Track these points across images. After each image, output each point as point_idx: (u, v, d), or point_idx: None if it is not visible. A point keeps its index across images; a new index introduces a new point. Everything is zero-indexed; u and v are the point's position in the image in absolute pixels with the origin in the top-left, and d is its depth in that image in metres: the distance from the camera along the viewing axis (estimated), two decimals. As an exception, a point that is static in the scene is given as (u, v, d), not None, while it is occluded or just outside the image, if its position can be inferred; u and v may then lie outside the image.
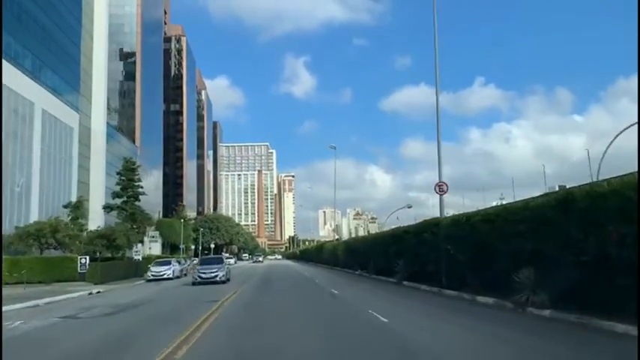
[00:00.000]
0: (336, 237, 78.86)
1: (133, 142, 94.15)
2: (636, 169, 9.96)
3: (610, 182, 9.79)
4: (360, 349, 7.89)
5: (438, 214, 20.05)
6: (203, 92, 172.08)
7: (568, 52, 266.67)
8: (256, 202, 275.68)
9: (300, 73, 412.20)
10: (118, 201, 44.52)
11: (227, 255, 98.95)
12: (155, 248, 65.10)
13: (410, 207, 59.98)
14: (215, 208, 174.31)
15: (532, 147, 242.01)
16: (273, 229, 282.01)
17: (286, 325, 10.84)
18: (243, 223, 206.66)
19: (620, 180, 9.58)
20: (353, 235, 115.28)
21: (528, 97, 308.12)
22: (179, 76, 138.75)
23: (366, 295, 18.26)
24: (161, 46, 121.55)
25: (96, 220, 51.35)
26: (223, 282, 25.30)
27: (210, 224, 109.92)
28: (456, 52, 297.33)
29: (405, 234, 21.95)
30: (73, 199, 47.53)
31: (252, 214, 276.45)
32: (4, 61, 42.83)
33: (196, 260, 37.98)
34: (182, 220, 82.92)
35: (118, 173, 45.58)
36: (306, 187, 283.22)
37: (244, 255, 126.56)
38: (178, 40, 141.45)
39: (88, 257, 31.29)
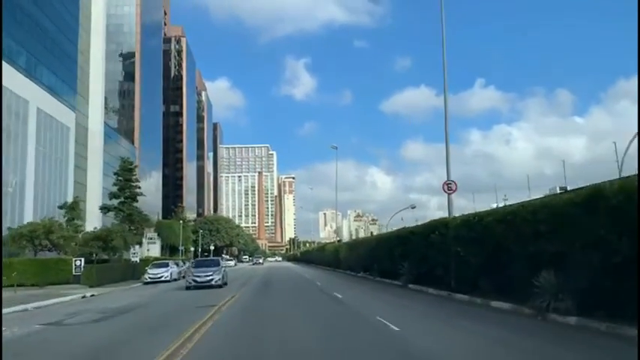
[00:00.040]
0: (337, 239, 77.89)
1: (132, 143, 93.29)
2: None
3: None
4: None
5: (438, 216, 19.25)
6: (203, 93, 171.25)
7: (568, 54, 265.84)
8: (257, 203, 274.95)
9: (301, 75, 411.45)
10: (115, 202, 43.59)
11: (227, 257, 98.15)
12: (154, 250, 64.22)
13: (414, 207, 59.06)
14: (215, 209, 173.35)
15: (532, 149, 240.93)
16: (273, 231, 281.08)
17: (288, 334, 9.93)
18: (243, 224, 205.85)
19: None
20: (353, 237, 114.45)
21: (528, 98, 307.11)
22: (179, 77, 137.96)
23: (371, 299, 17.35)
24: (161, 46, 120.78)
25: (93, 221, 50.47)
26: (219, 286, 23.89)
27: (210, 226, 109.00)
28: (457, 54, 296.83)
29: (411, 235, 21.03)
30: (69, 199, 46.50)
31: (252, 215, 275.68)
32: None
33: (191, 262, 36.21)
34: (181, 222, 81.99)
35: (115, 174, 44.71)
36: (306, 189, 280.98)
37: (244, 257, 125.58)
38: (178, 41, 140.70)
39: (83, 259, 30.46)
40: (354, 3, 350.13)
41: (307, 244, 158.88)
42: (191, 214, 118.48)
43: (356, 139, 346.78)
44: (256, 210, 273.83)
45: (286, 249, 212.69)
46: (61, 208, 41.94)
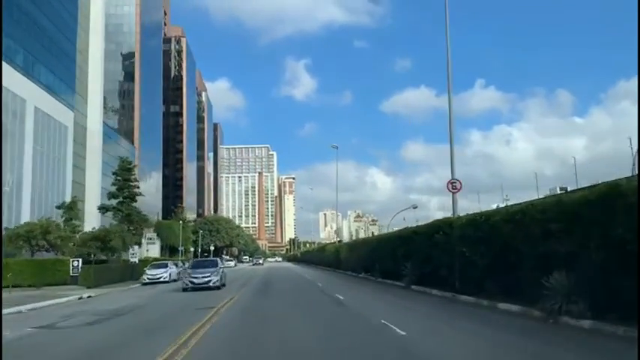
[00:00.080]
0: (338, 239, 77.47)
1: (132, 143, 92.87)
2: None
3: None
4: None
5: (439, 216, 18.85)
6: (203, 94, 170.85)
7: (568, 54, 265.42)
8: (257, 204, 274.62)
9: (301, 76, 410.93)
10: (114, 202, 43.13)
11: (227, 257, 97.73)
12: (153, 250, 63.91)
13: (415, 207, 58.75)
14: (215, 210, 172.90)
15: (533, 149, 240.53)
16: (273, 232, 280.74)
17: (289, 337, 9.52)
18: (243, 225, 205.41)
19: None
20: (353, 238, 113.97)
21: (529, 99, 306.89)
22: (179, 78, 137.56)
23: (374, 300, 16.93)
24: (161, 46, 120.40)
25: (92, 221, 49.97)
26: (217, 288, 23.11)
27: (210, 226, 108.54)
28: (457, 54, 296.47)
29: (414, 235, 20.60)
30: (67, 199, 46.00)
31: (252, 216, 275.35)
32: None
33: (188, 263, 35.58)
34: (181, 222, 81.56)
35: (113, 173, 44.24)
36: (306, 189, 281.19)
37: (244, 257, 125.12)
38: (178, 41, 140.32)
39: (80, 260, 30.04)
40: (354, 3, 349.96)
41: (307, 245, 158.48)
42: (191, 215, 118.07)
43: (356, 139, 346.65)
44: (256, 210, 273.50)
45: (286, 249, 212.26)
46: (58, 208, 41.44)
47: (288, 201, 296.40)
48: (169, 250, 79.58)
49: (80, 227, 41.31)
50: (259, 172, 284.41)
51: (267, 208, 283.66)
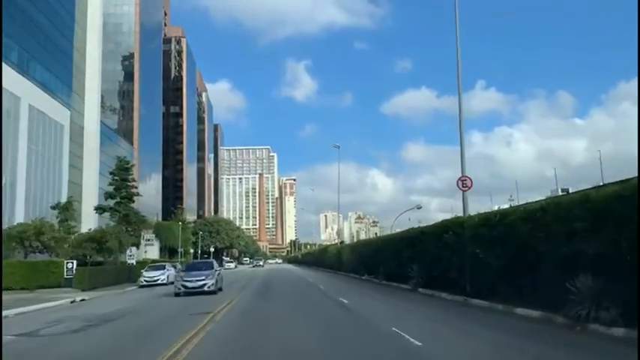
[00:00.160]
0: (339, 240, 76.54)
1: (131, 143, 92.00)
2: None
3: None
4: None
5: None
6: (204, 94, 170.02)
7: (569, 56, 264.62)
8: (257, 205, 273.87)
9: (301, 77, 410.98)
10: (111, 202, 42.21)
11: (227, 259, 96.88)
12: (152, 252, 63.00)
13: (419, 208, 57.93)
14: (216, 211, 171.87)
15: (533, 150, 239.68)
16: (274, 233, 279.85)
17: (292, 348, 8.62)
18: (244, 226, 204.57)
19: None
20: (354, 239, 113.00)
21: (529, 100, 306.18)
22: (179, 78, 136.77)
23: (381, 305, 16.00)
24: (160, 46, 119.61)
25: (89, 222, 49.13)
26: (213, 292, 21.37)
27: (210, 227, 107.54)
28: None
29: (421, 235, 19.69)
30: (63, 200, 45.00)
31: (253, 217, 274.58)
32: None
33: (181, 265, 34.16)
34: (180, 223, 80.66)
35: (111, 173, 43.35)
36: (307, 191, 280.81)
37: (245, 259, 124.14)
38: (178, 42, 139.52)
39: (75, 262, 29.12)
40: (355, 5, 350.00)
41: (308, 246, 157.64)
42: (191, 216, 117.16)
43: (357, 141, 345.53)
44: (257, 212, 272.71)
45: (287, 251, 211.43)
46: (53, 208, 40.53)
47: (289, 202, 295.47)
48: (169, 252, 78.68)
49: (76, 228, 40.44)
50: (260, 174, 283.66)
51: (268, 210, 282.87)
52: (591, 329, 9.08)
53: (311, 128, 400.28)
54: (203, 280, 21.58)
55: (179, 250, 75.77)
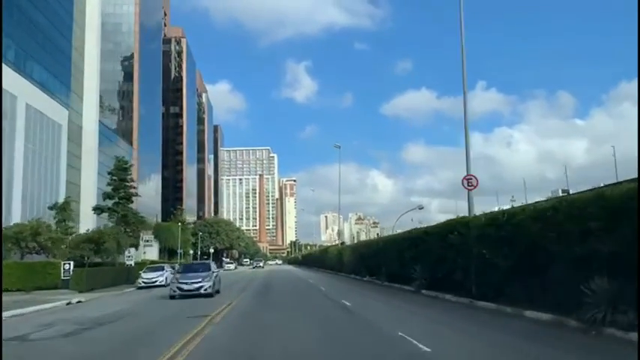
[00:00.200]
0: (340, 241, 76.06)
1: (131, 144, 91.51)
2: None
3: None
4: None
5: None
6: (204, 95, 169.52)
7: (569, 56, 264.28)
8: (258, 206, 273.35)
9: (302, 78, 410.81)
10: (110, 202, 41.71)
11: (227, 260, 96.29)
12: (151, 253, 62.47)
13: (421, 208, 57.55)
14: (216, 212, 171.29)
15: (534, 151, 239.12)
16: (274, 234, 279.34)
17: (293, 352, 8.17)
18: (244, 227, 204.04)
19: None
20: (355, 240, 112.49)
21: (529, 101, 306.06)
22: (179, 79, 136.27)
23: (384, 307, 15.55)
24: (160, 47, 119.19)
25: (88, 223, 48.58)
26: (210, 295, 20.36)
27: (210, 228, 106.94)
28: (457, 56, 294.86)
29: (425, 235, 19.26)
30: (61, 200, 44.45)
31: (253, 218, 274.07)
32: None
33: (177, 267, 33.34)
34: (180, 224, 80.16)
35: (109, 173, 42.83)
36: (307, 192, 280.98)
37: (245, 260, 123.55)
38: (178, 42, 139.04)
39: (72, 263, 28.60)
40: (355, 6, 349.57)
41: (309, 247, 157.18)
42: (191, 217, 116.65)
43: (357, 142, 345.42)
44: (257, 213, 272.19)
45: (287, 252, 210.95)
46: (51, 208, 40.02)
47: (289, 203, 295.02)
48: (168, 253, 78.16)
49: (74, 229, 39.91)
50: (260, 175, 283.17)
51: (268, 211, 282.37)
52: (607, 333, 8.65)
53: (311, 129, 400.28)
54: (200, 282, 20.63)
55: (179, 251, 75.28)
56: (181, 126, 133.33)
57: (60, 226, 36.62)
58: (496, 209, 20.14)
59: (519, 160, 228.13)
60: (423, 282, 19.37)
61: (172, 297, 20.49)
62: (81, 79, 69.74)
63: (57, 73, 60.26)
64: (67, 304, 20.87)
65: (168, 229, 79.56)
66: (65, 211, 39.02)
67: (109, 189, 42.41)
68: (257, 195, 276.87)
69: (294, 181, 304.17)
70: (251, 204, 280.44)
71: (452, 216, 18.36)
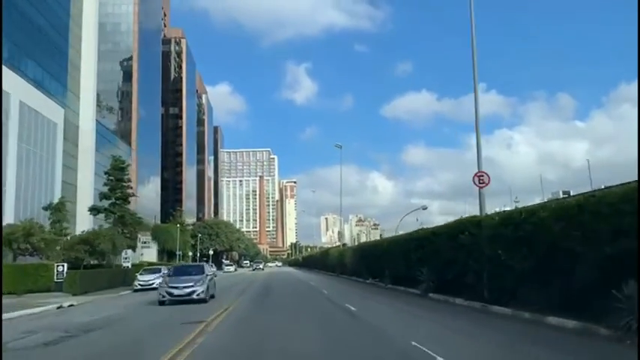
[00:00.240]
0: (341, 243, 75.19)
1: (130, 145, 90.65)
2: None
3: None
4: None
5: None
6: (204, 96, 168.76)
7: (569, 57, 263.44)
8: (258, 208, 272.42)
9: (302, 79, 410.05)
10: (106, 203, 40.81)
11: (227, 262, 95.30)
12: (149, 255, 61.65)
13: (425, 208, 56.66)
14: (216, 214, 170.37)
15: (534, 153, 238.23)
16: (275, 236, 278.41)
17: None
18: (244, 229, 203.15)
19: None
20: (355, 242, 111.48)
21: (529, 103, 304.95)
22: (179, 79, 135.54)
23: (391, 311, 14.66)
24: (160, 47, 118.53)
25: (85, 224, 47.65)
26: (203, 301, 18.50)
27: (210, 230, 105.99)
28: (458, 58, 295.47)
29: (432, 236, 18.37)
30: (56, 200, 43.54)
31: (253, 220, 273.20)
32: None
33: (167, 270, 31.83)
34: (178, 226, 79.26)
35: (105, 173, 41.93)
36: (307, 193, 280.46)
37: (245, 262, 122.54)
38: (178, 43, 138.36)
39: (65, 265, 27.79)
40: (355, 8, 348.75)
41: (309, 249, 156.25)
42: (191, 219, 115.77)
43: (357, 143, 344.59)
44: (257, 215, 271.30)
45: (288, 254, 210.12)
46: (45, 209, 39.12)
47: (290, 205, 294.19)
48: (167, 255, 77.29)
49: (69, 230, 39.00)
50: (260, 176, 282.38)
51: (269, 213, 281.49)
52: (645, 342, 7.75)
53: (311, 131, 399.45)
54: (191, 286, 18.78)
55: (177, 253, 74.39)
56: (181, 127, 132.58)
57: (54, 227, 35.73)
58: (496, 210, 19.34)
59: (519, 162, 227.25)
60: (430, 285, 18.49)
61: (161, 303, 18.66)
62: (78, 78, 68.68)
63: (53, 71, 59.32)
64: (58, 307, 20.02)
65: (167, 230, 78.70)
66: (60, 211, 38.15)
67: (105, 189, 41.57)
68: (257, 196, 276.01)
69: (295, 182, 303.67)
70: (251, 206, 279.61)
71: (453, 218, 17.61)
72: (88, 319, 14.56)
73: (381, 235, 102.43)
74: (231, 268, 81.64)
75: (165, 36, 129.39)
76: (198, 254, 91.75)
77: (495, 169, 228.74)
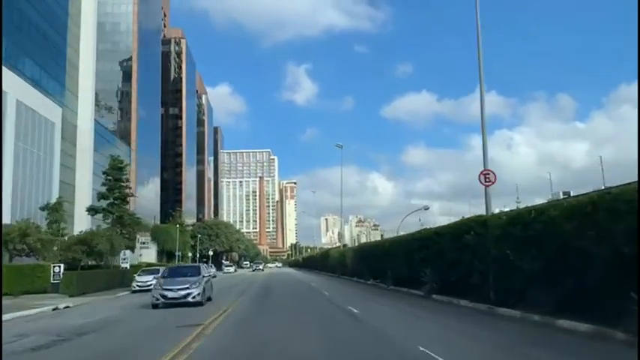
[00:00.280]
0: (341, 243, 74.78)
1: (129, 145, 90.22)
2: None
3: None
4: None
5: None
6: (204, 97, 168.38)
7: (569, 58, 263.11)
8: (258, 209, 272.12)
9: (302, 80, 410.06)
10: (104, 203, 40.38)
11: (227, 262, 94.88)
12: (148, 255, 61.16)
13: (427, 208, 56.44)
14: (216, 215, 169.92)
15: (534, 154, 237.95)
16: (275, 237, 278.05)
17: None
18: (244, 230, 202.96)
19: None
20: (355, 243, 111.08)
21: (530, 103, 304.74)
22: (178, 80, 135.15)
23: (395, 314, 14.23)
24: (159, 47, 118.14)
25: (83, 224, 47.22)
26: (199, 304, 17.63)
27: (209, 230, 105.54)
28: (457, 58, 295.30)
29: (436, 236, 17.96)
30: (54, 200, 43.10)
31: (253, 221, 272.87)
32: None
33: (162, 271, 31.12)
34: (178, 226, 78.81)
35: (103, 172, 41.53)
36: (307, 194, 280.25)
37: (245, 263, 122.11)
38: (178, 43, 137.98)
39: (62, 265, 27.41)
40: (355, 8, 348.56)
41: (309, 250, 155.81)
42: (190, 220, 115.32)
43: (357, 144, 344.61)
44: (257, 215, 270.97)
45: (288, 254, 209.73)
46: (42, 209, 38.70)
47: (290, 206, 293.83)
48: (167, 256, 76.82)
49: (67, 230, 38.59)
50: (260, 177, 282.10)
51: (269, 213, 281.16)
52: (667, 348, 7.32)
53: (311, 132, 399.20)
54: (187, 288, 17.88)
55: (177, 253, 73.95)
56: (181, 127, 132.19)
57: (52, 228, 35.32)
58: (497, 211, 18.91)
59: (520, 163, 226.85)
60: (433, 286, 18.10)
61: (155, 306, 17.86)
62: (76, 77, 68.12)
63: (51, 70, 58.85)
64: (54, 309, 19.65)
65: (166, 231, 78.23)
66: (57, 211, 37.75)
67: (103, 189, 41.17)
68: (257, 197, 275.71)
69: (295, 183, 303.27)
70: (251, 206, 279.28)
71: (454, 218, 17.25)
72: (83, 321, 14.15)
73: (381, 235, 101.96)
74: (231, 269, 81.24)
75: (165, 36, 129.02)
76: (198, 255, 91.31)
77: (495, 170, 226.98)
